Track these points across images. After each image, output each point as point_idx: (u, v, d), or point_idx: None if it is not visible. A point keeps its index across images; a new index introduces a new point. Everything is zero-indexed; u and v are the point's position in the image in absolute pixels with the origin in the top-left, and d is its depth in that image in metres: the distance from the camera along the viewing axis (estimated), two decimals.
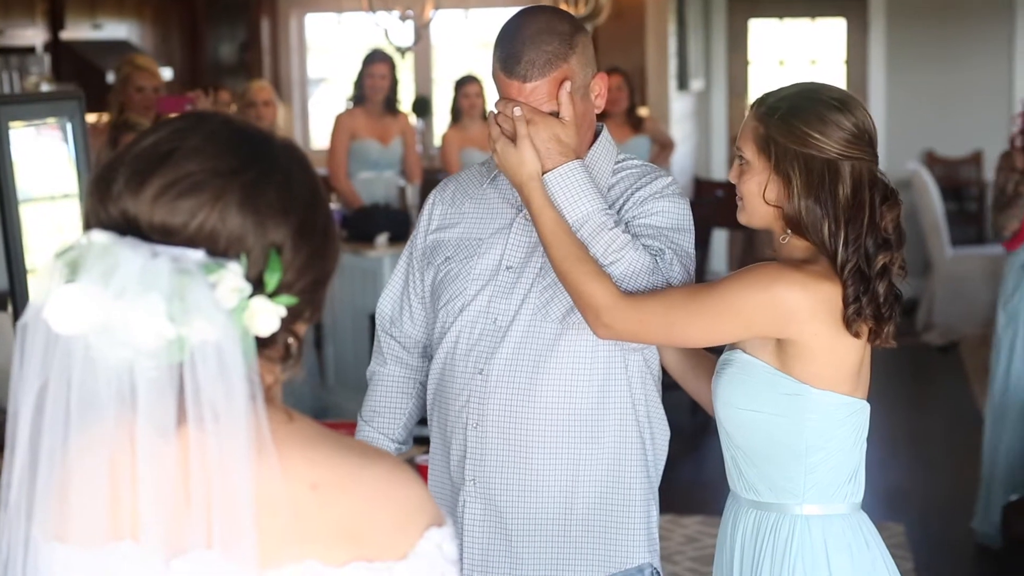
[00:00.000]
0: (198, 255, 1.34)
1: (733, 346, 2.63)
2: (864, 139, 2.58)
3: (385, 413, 2.95)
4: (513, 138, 2.63)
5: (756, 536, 2.63)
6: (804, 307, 2.49)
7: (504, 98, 2.67)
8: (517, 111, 2.62)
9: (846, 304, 2.51)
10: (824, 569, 2.57)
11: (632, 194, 2.73)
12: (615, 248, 2.58)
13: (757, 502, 2.64)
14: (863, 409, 2.62)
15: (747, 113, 2.64)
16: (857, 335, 2.53)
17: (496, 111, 2.67)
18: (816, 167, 2.53)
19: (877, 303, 2.52)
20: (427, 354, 2.92)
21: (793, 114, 2.54)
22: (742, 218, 2.65)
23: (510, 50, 2.65)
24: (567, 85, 2.63)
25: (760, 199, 2.58)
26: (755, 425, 2.59)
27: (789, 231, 2.57)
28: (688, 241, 2.72)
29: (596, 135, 2.80)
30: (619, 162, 2.80)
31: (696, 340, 2.60)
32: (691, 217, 2.76)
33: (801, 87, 2.64)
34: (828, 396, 2.55)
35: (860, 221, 2.54)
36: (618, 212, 2.70)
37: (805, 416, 2.55)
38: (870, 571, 2.60)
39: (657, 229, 2.69)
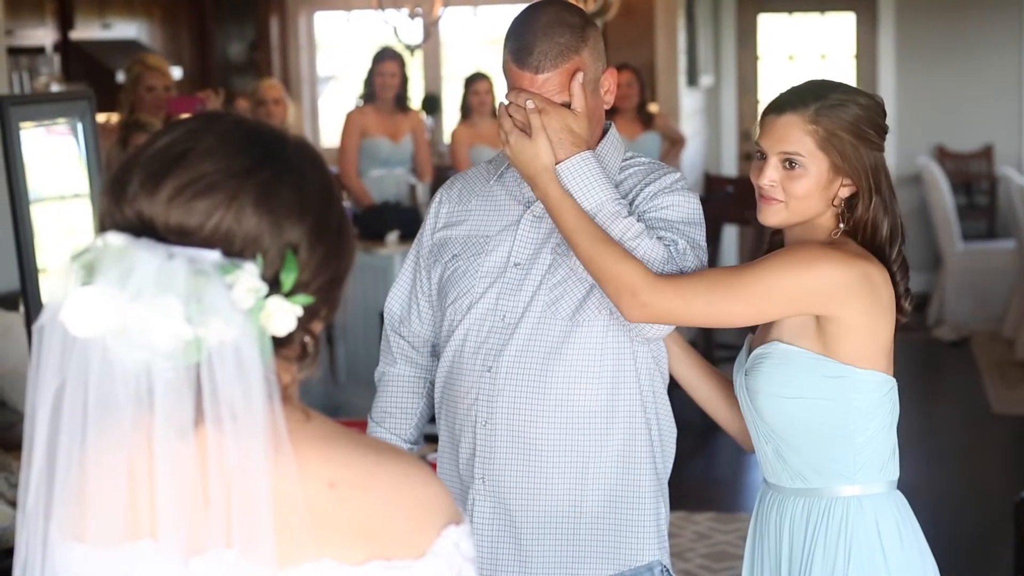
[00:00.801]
0: (214, 256, 1.35)
1: (766, 340, 2.65)
2: (887, 129, 2.67)
3: (397, 414, 2.94)
4: (525, 129, 2.62)
5: (807, 523, 2.66)
6: (846, 283, 2.54)
7: (515, 89, 2.67)
8: (530, 103, 2.62)
9: (897, 290, 2.62)
10: (877, 548, 2.61)
11: (641, 190, 2.73)
12: (630, 236, 2.58)
13: (805, 489, 2.67)
14: (895, 387, 2.68)
15: (779, 115, 2.63)
16: (901, 316, 2.64)
17: (507, 102, 2.67)
18: (873, 163, 2.61)
19: (908, 282, 2.67)
20: (436, 353, 2.92)
21: (848, 112, 2.59)
22: (777, 218, 2.65)
23: (522, 42, 2.65)
24: (579, 76, 2.63)
25: (816, 200, 2.61)
26: (801, 412, 2.62)
27: (842, 226, 2.63)
28: (700, 234, 2.72)
29: (604, 133, 2.80)
30: (627, 159, 2.81)
31: (740, 319, 2.61)
32: (701, 211, 2.76)
33: (818, 84, 2.69)
34: (871, 375, 2.60)
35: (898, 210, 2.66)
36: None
37: (851, 397, 2.60)
38: (915, 546, 2.66)
39: (668, 222, 2.68)
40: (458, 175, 2.95)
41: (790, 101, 2.63)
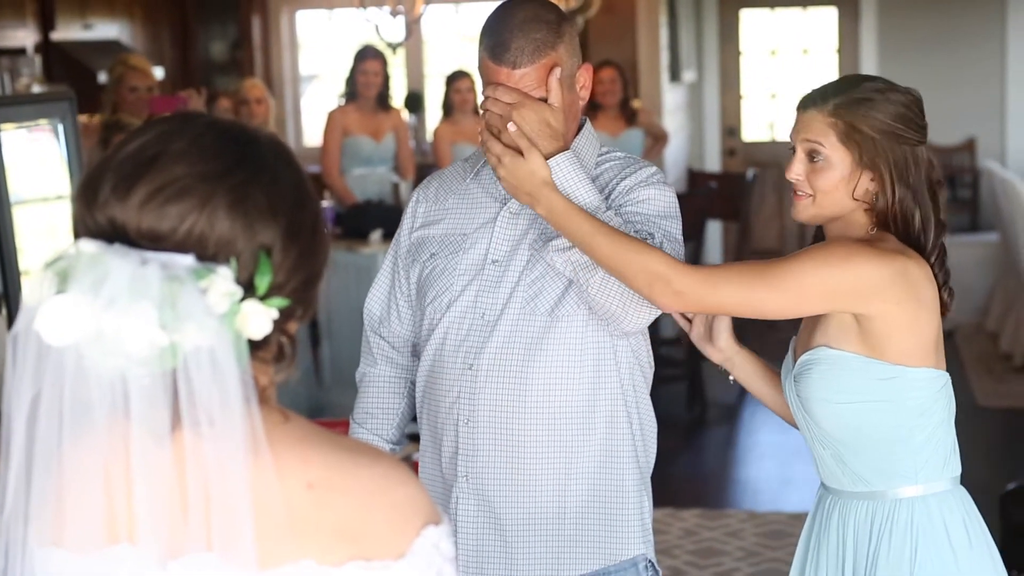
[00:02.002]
0: (188, 260, 1.34)
1: (811, 345, 2.65)
2: (924, 124, 2.70)
3: (378, 415, 2.94)
4: (503, 127, 2.60)
5: (871, 526, 2.64)
6: (882, 279, 2.54)
7: (492, 84, 2.66)
8: (507, 96, 2.61)
9: (939, 286, 2.62)
10: (946, 548, 2.60)
11: (617, 184, 2.74)
12: None
13: (868, 492, 2.66)
14: (948, 381, 2.67)
15: (804, 111, 2.65)
16: (944, 311, 2.64)
17: (485, 96, 2.66)
18: (900, 157, 2.61)
19: (949, 280, 2.66)
20: (417, 353, 2.91)
21: (873, 106, 2.60)
22: (807, 214, 2.67)
23: (498, 38, 2.66)
24: (556, 72, 2.63)
25: (842, 194, 2.62)
26: (857, 416, 2.61)
27: (875, 224, 2.63)
28: (676, 228, 2.73)
29: (579, 128, 2.80)
30: (602, 154, 2.81)
31: (772, 308, 2.60)
32: (677, 205, 2.76)
33: (850, 79, 2.72)
34: (922, 372, 2.60)
35: (935, 205, 2.66)
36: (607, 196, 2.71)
37: (906, 397, 2.60)
38: (983, 542, 2.66)
39: (644, 216, 2.69)
40: (434, 174, 2.96)
41: (812, 97, 2.65)
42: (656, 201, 2.72)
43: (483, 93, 2.70)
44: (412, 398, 2.95)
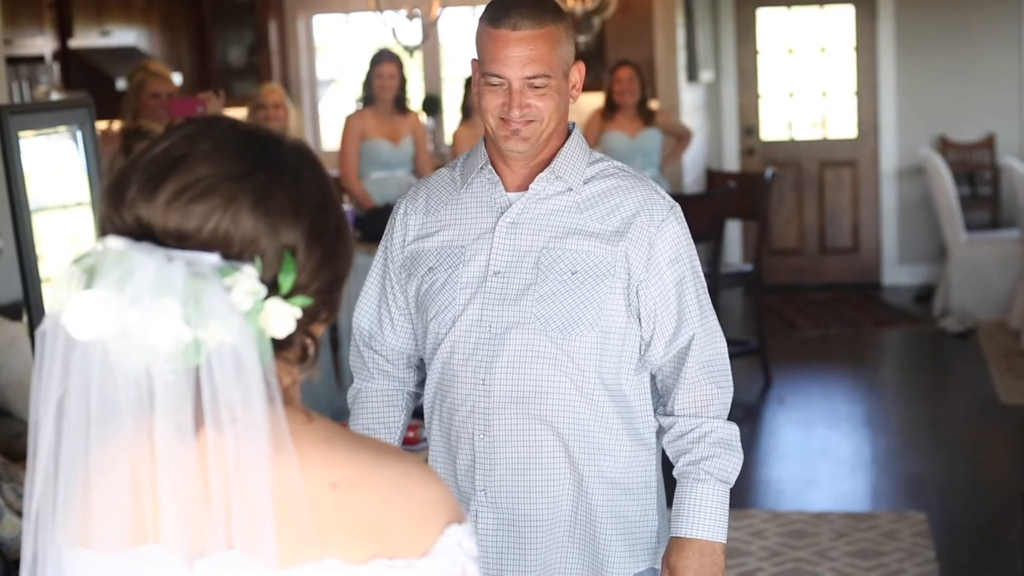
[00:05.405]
0: (213, 258, 1.35)
1: None
2: None
3: (380, 430, 2.86)
4: None
5: None
6: None
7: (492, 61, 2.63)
8: None
9: None
10: None
11: (633, 218, 2.69)
12: (725, 445, 2.73)
13: None
14: None
15: None
16: None
17: (486, 77, 2.63)
18: None
19: None
20: (411, 364, 2.87)
21: None
22: None
23: (498, 8, 2.62)
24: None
25: None
26: None
27: None
28: (697, 261, 2.74)
29: (568, 134, 2.75)
30: (593, 161, 2.76)
31: None
32: (685, 222, 2.74)
33: None
34: None
35: None
36: (620, 231, 2.68)
37: None
38: None
39: (677, 256, 2.70)
40: (420, 183, 2.88)
41: None
42: (680, 242, 2.71)
43: (482, 72, 2.65)
44: (410, 410, 2.90)
